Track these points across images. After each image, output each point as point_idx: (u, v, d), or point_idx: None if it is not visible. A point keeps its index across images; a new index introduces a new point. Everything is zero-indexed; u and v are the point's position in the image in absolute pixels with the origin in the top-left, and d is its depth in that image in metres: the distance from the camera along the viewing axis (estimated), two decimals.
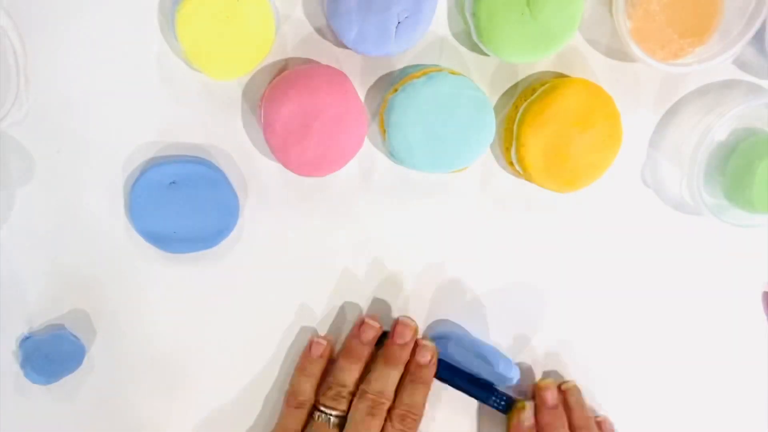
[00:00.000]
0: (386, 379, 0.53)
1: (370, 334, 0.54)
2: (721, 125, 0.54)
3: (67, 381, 0.53)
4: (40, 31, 0.49)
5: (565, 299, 0.59)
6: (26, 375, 0.52)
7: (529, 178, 0.54)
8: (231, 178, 0.52)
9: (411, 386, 0.54)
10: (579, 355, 0.60)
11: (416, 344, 0.55)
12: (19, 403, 0.54)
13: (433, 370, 0.54)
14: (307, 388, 0.54)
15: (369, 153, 0.54)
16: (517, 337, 0.59)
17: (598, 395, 0.60)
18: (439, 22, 0.52)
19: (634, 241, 0.59)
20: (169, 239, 0.52)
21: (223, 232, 0.52)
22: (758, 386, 0.63)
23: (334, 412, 0.53)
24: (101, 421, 0.55)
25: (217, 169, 0.52)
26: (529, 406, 0.56)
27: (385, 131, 0.51)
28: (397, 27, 0.48)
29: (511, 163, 0.54)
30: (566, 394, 0.58)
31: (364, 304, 0.57)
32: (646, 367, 0.61)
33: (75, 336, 0.53)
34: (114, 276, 0.53)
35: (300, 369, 0.55)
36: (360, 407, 0.52)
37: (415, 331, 0.55)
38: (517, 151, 0.52)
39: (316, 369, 0.55)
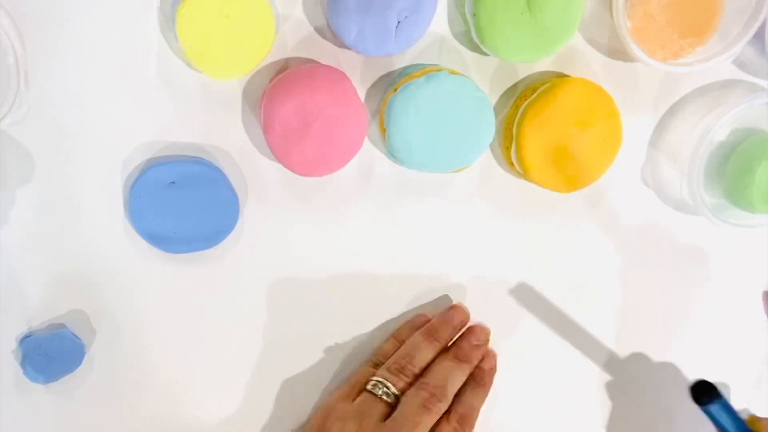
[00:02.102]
0: (452, 376, 0.51)
1: (458, 318, 0.54)
2: (721, 125, 0.54)
3: (67, 380, 0.53)
4: (40, 31, 0.49)
5: (566, 299, 0.59)
6: (26, 373, 0.52)
7: (529, 178, 0.54)
8: (231, 178, 0.52)
9: (477, 389, 0.53)
10: (578, 355, 0.60)
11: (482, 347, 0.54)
12: (19, 402, 0.54)
13: (494, 374, 0.54)
14: (390, 351, 0.54)
15: (369, 153, 0.54)
16: (517, 337, 0.59)
17: (596, 395, 0.60)
18: (439, 22, 0.52)
19: (634, 241, 0.59)
20: (169, 239, 0.52)
21: (223, 232, 0.52)
22: (759, 386, 0.63)
23: (392, 389, 0.50)
24: (101, 421, 0.55)
25: (217, 169, 0.52)
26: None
27: (385, 131, 0.51)
28: (397, 27, 0.48)
29: (511, 163, 0.54)
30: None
31: (364, 304, 0.57)
32: (645, 366, 0.61)
33: (75, 335, 0.53)
34: (114, 276, 0.53)
35: (395, 334, 0.55)
36: (416, 396, 0.50)
37: (488, 336, 0.55)
38: (517, 151, 0.52)
39: (406, 335, 0.54)
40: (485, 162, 0.56)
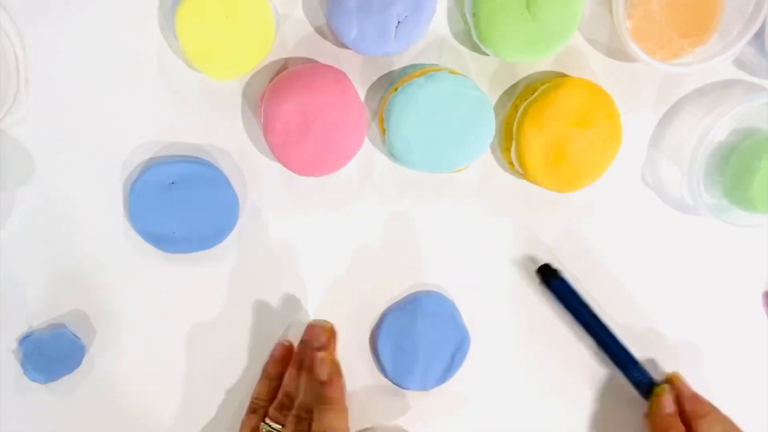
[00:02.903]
0: (299, 388, 0.52)
1: (318, 339, 0.53)
2: (721, 125, 0.54)
3: (67, 380, 0.53)
4: (40, 31, 0.49)
5: None
6: (26, 373, 0.52)
7: (529, 178, 0.54)
8: (231, 178, 0.52)
9: (318, 410, 0.49)
10: (578, 355, 0.60)
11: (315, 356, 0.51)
12: (19, 402, 0.54)
13: (337, 389, 0.50)
14: (263, 392, 0.54)
15: (369, 153, 0.54)
16: (515, 336, 0.59)
17: (596, 394, 0.60)
18: (439, 22, 0.52)
19: (634, 241, 0.59)
20: (169, 239, 0.52)
21: (223, 232, 0.52)
22: (758, 386, 0.63)
23: (275, 426, 0.51)
24: (100, 421, 0.55)
25: (217, 169, 0.52)
26: (668, 390, 0.56)
27: (385, 131, 0.51)
28: (397, 27, 0.48)
29: (511, 163, 0.54)
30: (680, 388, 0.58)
31: (364, 303, 0.57)
32: (645, 366, 0.61)
33: (75, 335, 0.53)
34: (114, 276, 0.53)
35: (262, 372, 0.55)
36: (289, 420, 0.50)
37: (330, 333, 0.53)
38: (517, 151, 0.52)
39: (274, 372, 0.54)
40: (485, 162, 0.56)
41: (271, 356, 0.55)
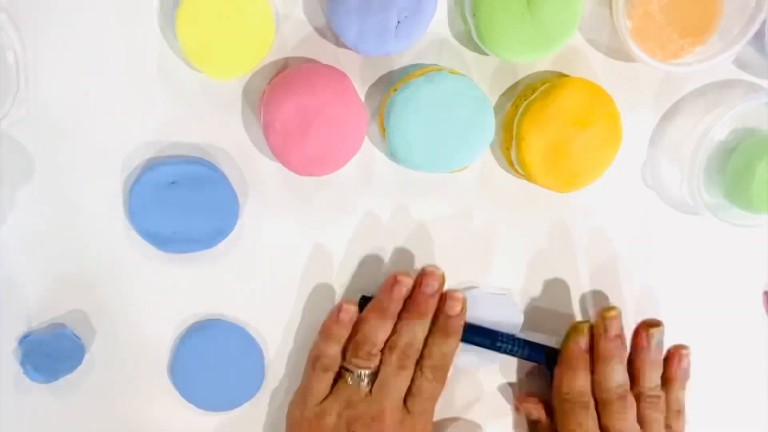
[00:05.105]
0: (414, 331, 0.53)
1: (403, 291, 0.53)
2: (721, 125, 0.54)
3: (67, 380, 0.53)
4: (40, 31, 0.49)
5: (565, 299, 0.59)
6: (26, 373, 0.52)
7: (529, 178, 0.54)
8: (231, 178, 0.52)
9: (441, 337, 0.53)
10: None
11: (444, 295, 0.54)
12: (19, 402, 0.54)
13: (462, 320, 0.54)
14: (334, 352, 0.53)
15: (369, 153, 0.54)
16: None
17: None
18: (439, 22, 0.52)
19: (634, 241, 0.59)
20: (169, 239, 0.52)
21: (223, 232, 0.52)
22: (758, 386, 0.63)
23: (367, 371, 0.52)
24: (101, 421, 0.55)
25: (217, 169, 0.52)
26: (587, 327, 0.56)
27: (385, 131, 0.51)
28: (397, 27, 0.48)
29: (511, 163, 0.54)
30: (648, 338, 0.56)
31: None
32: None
33: (75, 335, 0.53)
34: (114, 276, 0.53)
35: (326, 333, 0.54)
36: (390, 361, 0.52)
37: (442, 280, 0.54)
38: (517, 150, 0.52)
39: (343, 333, 0.54)
40: (485, 162, 0.56)
41: (338, 318, 0.53)
